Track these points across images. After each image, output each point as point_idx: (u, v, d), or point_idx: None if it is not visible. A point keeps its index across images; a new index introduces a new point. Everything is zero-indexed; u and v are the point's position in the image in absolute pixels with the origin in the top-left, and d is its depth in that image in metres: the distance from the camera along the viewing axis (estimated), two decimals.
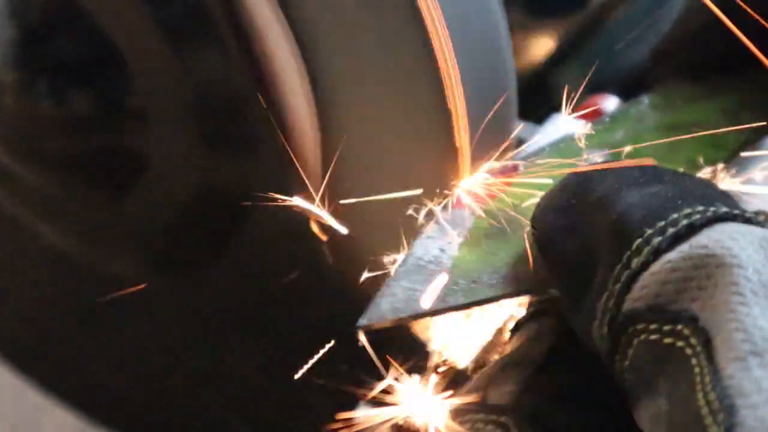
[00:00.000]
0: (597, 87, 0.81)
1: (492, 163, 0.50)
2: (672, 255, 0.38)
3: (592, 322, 0.40)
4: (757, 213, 0.40)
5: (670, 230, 0.39)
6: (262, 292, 0.64)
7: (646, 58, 0.86)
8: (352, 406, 0.62)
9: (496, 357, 0.46)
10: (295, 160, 0.56)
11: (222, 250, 0.63)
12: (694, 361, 0.36)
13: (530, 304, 0.46)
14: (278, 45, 0.54)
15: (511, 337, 0.46)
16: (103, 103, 0.60)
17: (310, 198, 0.57)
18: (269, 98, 0.55)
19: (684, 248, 0.38)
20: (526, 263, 0.45)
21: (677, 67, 0.53)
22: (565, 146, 0.50)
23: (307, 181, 0.56)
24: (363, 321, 0.45)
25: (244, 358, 0.69)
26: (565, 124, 0.55)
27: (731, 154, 0.49)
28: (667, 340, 0.37)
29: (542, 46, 0.80)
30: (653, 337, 0.38)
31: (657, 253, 0.39)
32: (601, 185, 0.42)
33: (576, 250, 0.41)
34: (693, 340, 0.36)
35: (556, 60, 0.82)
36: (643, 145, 0.49)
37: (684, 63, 0.53)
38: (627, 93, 0.67)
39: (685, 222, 0.39)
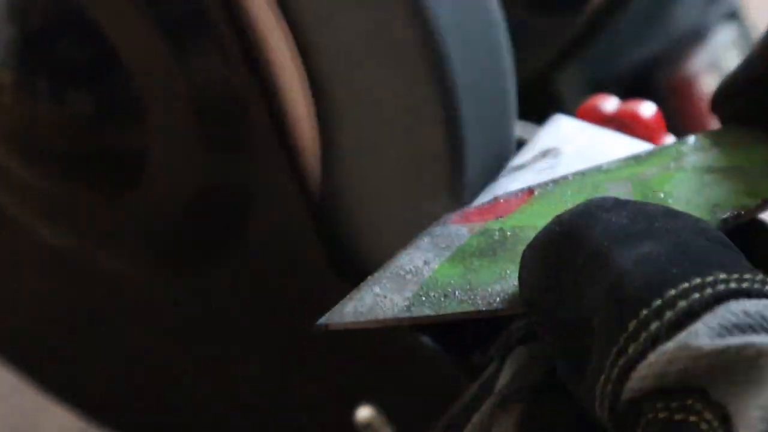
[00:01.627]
0: (597, 87, 0.81)
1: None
2: (670, 346, 0.36)
3: (592, 402, 0.38)
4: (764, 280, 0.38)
5: (668, 315, 0.36)
6: (263, 292, 0.64)
7: (650, 59, 0.86)
8: (352, 406, 0.62)
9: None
10: (294, 160, 0.56)
11: (222, 250, 0.63)
12: None
13: (518, 329, 0.45)
14: (278, 45, 0.54)
15: (500, 365, 0.45)
16: (103, 103, 0.60)
17: (309, 197, 0.57)
18: (269, 98, 0.55)
19: (681, 338, 0.36)
20: (504, 284, 0.45)
21: (736, 111, 0.51)
22: (588, 178, 0.49)
23: (306, 182, 0.56)
24: (322, 320, 0.45)
25: (244, 359, 0.69)
26: (566, 124, 0.55)
27: (762, 204, 0.47)
28: (678, 416, 0.35)
29: (542, 46, 0.80)
30: (662, 415, 0.36)
31: (655, 341, 0.36)
32: (588, 241, 0.40)
33: (569, 316, 0.39)
34: (707, 415, 0.35)
35: (556, 60, 0.82)
36: (669, 181, 0.48)
37: (744, 108, 0.50)
38: (627, 93, 0.67)
39: (683, 305, 0.36)
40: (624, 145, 0.53)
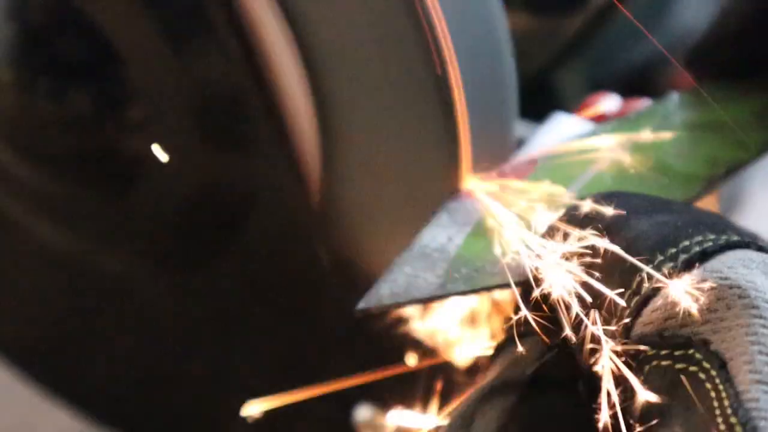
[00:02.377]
0: (597, 86, 0.81)
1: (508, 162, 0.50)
2: (682, 281, 0.38)
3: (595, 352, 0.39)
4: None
5: (682, 256, 0.39)
6: (263, 291, 0.64)
7: (655, 57, 0.86)
8: (352, 407, 0.62)
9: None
10: (294, 159, 0.56)
11: (222, 250, 0.62)
12: (708, 385, 0.36)
13: (509, 327, 0.45)
14: (277, 45, 0.54)
15: (492, 361, 0.45)
16: (103, 103, 0.60)
17: (309, 197, 0.57)
18: (268, 98, 0.55)
19: (696, 273, 0.38)
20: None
21: (712, 67, 0.53)
22: (583, 144, 0.50)
23: (306, 181, 0.56)
24: (362, 305, 0.45)
25: (244, 358, 0.69)
26: (566, 123, 0.55)
27: (754, 156, 0.48)
28: (679, 365, 0.37)
29: (542, 45, 0.80)
30: (664, 363, 0.37)
31: (668, 278, 0.38)
32: (609, 213, 0.42)
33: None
34: (706, 364, 0.36)
35: (556, 59, 0.82)
36: (665, 137, 0.49)
37: (719, 63, 0.53)
38: (627, 92, 0.67)
39: (697, 249, 0.39)
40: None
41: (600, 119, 0.58)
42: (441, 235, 0.47)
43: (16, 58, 0.60)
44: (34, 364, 0.82)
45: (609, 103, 0.59)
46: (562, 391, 0.42)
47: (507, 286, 0.45)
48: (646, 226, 0.40)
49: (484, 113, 0.53)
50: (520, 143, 0.56)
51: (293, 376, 0.68)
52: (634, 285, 0.39)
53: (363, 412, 0.63)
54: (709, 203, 0.51)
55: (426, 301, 0.45)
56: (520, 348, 0.44)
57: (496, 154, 0.54)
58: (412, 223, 0.49)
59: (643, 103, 0.59)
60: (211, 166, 0.59)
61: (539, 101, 0.79)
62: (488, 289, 0.45)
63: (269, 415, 0.71)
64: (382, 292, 0.45)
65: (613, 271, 0.40)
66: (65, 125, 0.61)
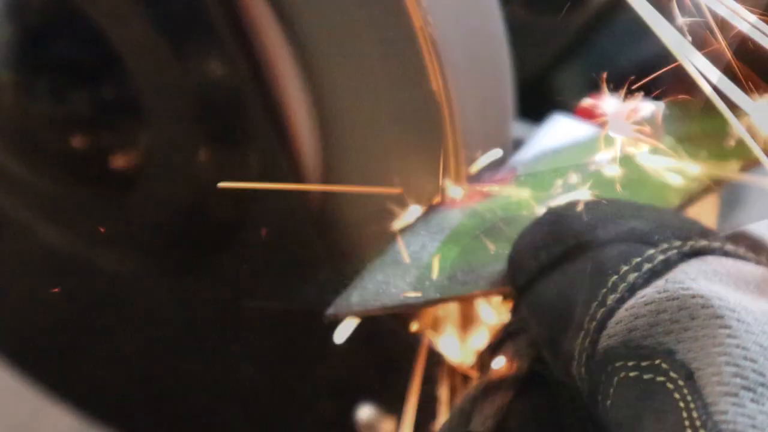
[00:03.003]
0: (596, 87, 0.81)
1: (489, 167, 0.50)
2: (647, 290, 0.38)
3: (571, 362, 0.39)
4: (735, 241, 0.40)
5: (646, 266, 0.38)
6: (262, 291, 0.64)
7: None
8: (352, 407, 0.62)
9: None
10: (293, 159, 0.56)
11: (222, 249, 0.63)
12: (677, 395, 0.35)
13: (507, 323, 0.46)
14: (277, 44, 0.54)
15: (491, 357, 0.45)
16: (103, 103, 0.60)
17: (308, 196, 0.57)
18: (268, 98, 0.55)
19: (659, 283, 0.38)
20: (502, 264, 0.45)
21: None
22: (567, 153, 0.50)
23: (305, 180, 0.56)
24: (330, 311, 0.46)
25: (244, 358, 0.69)
26: (565, 124, 0.55)
27: (743, 165, 0.48)
28: (647, 376, 0.37)
29: (542, 45, 0.80)
30: (632, 374, 0.37)
31: (632, 289, 0.38)
32: (576, 223, 0.42)
33: (554, 293, 0.41)
34: (673, 374, 0.36)
35: (555, 60, 0.82)
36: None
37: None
38: (627, 93, 0.67)
39: (660, 258, 0.38)
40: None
41: (598, 120, 0.58)
42: (415, 242, 0.47)
43: (16, 59, 0.60)
44: (34, 364, 0.82)
45: (608, 103, 0.59)
46: (558, 387, 0.42)
47: (478, 295, 0.45)
48: (613, 235, 0.40)
49: (481, 114, 0.53)
50: (518, 144, 0.56)
51: (293, 375, 0.68)
52: (600, 296, 0.38)
53: (364, 412, 0.63)
54: (710, 203, 0.50)
55: (395, 308, 0.45)
56: (515, 345, 0.44)
57: (494, 154, 0.54)
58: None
59: (642, 105, 0.59)
60: (210, 166, 0.59)
61: (537, 102, 0.79)
62: (459, 297, 0.45)
63: (271, 414, 0.71)
64: (351, 299, 0.46)
65: (581, 285, 0.39)
66: (65, 126, 0.61)
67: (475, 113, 0.52)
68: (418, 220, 0.48)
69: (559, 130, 0.55)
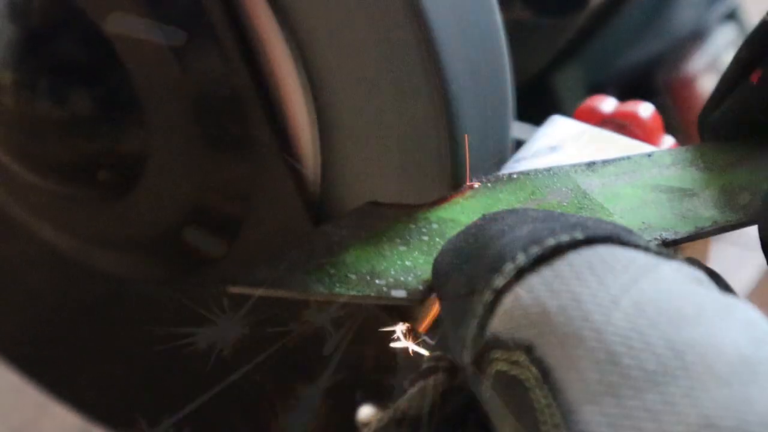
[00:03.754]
0: (596, 88, 0.81)
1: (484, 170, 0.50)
2: (533, 278, 0.37)
3: (462, 350, 0.39)
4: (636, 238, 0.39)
5: (534, 250, 0.38)
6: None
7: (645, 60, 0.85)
8: (352, 406, 0.62)
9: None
10: (293, 160, 0.56)
11: (222, 249, 0.63)
12: (536, 393, 0.35)
13: (425, 360, 0.46)
14: (277, 45, 0.54)
15: (406, 390, 0.45)
16: (103, 103, 0.60)
17: (307, 197, 0.57)
18: (268, 98, 0.55)
19: (546, 272, 0.37)
20: (404, 275, 0.46)
21: (714, 126, 0.51)
22: (531, 181, 0.50)
23: (305, 182, 0.56)
24: (235, 287, 0.47)
25: (244, 358, 0.69)
26: (564, 125, 0.55)
27: (689, 233, 0.47)
28: (513, 372, 0.36)
29: (542, 46, 0.80)
30: (502, 367, 0.37)
31: (520, 273, 0.38)
32: (498, 224, 0.42)
33: (461, 284, 0.40)
34: (530, 371, 0.35)
35: (555, 61, 0.82)
36: (612, 194, 0.48)
37: (722, 123, 0.50)
38: (626, 94, 0.67)
39: (551, 243, 0.38)
40: (621, 146, 0.53)
41: (598, 121, 0.58)
42: (337, 234, 0.47)
43: (17, 59, 0.60)
44: (35, 364, 0.82)
45: (606, 105, 0.59)
46: (462, 424, 0.42)
47: (360, 299, 0.45)
48: (525, 232, 0.39)
49: (481, 114, 0.53)
50: (517, 145, 0.56)
51: (293, 376, 0.68)
52: (491, 280, 0.38)
53: (364, 412, 0.63)
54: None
55: (282, 294, 0.46)
56: (427, 382, 0.44)
57: (492, 155, 0.54)
58: None
59: (604, 103, 0.59)
60: (210, 167, 0.59)
61: (537, 103, 0.79)
62: (345, 298, 0.45)
63: (271, 414, 0.71)
64: (250, 278, 0.46)
65: (483, 270, 0.39)
66: (65, 125, 0.61)
67: (475, 114, 0.52)
68: (354, 212, 0.48)
69: (559, 131, 0.55)
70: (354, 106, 0.53)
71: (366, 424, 0.63)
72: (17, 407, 0.91)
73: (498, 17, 0.52)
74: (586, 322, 0.35)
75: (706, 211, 0.47)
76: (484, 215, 0.44)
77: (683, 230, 0.47)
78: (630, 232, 0.39)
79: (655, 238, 0.46)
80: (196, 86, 0.57)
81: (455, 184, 0.51)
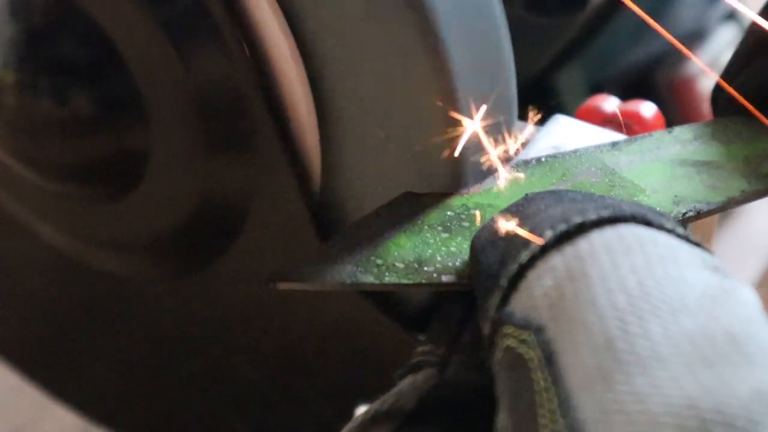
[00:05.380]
0: (597, 88, 0.81)
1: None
2: (555, 257, 0.38)
3: (484, 322, 0.40)
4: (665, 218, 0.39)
5: (560, 227, 0.38)
6: (262, 292, 0.64)
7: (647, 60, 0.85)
8: (352, 406, 0.62)
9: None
10: (295, 159, 0.56)
11: (222, 249, 0.63)
12: (537, 374, 0.35)
13: (414, 354, 0.46)
14: (279, 44, 0.54)
15: (393, 386, 0.46)
16: (103, 103, 0.60)
17: (309, 197, 0.57)
18: (270, 97, 0.55)
19: (567, 250, 0.38)
20: (451, 260, 0.46)
21: (726, 102, 0.51)
22: (560, 162, 0.50)
23: (306, 181, 0.56)
24: (275, 279, 0.47)
25: (244, 358, 0.70)
26: (566, 125, 0.55)
27: (722, 203, 0.48)
28: (520, 350, 0.36)
29: (543, 46, 0.80)
30: (512, 343, 0.37)
31: (544, 249, 0.38)
32: (537, 203, 0.42)
33: (494, 257, 0.41)
34: (538, 351, 0.36)
35: (556, 60, 0.82)
36: (641, 171, 0.49)
37: (732, 99, 0.50)
38: (627, 93, 0.67)
39: (577, 220, 0.38)
40: None
41: (599, 121, 0.58)
42: (378, 226, 0.48)
43: (18, 58, 0.60)
44: (34, 365, 0.82)
45: (608, 104, 0.59)
46: (444, 420, 0.42)
47: (413, 287, 0.46)
48: (558, 211, 0.40)
49: (485, 114, 0.53)
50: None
51: (293, 376, 0.68)
52: (518, 254, 0.39)
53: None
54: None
55: (334, 287, 0.46)
56: (413, 378, 0.44)
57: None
58: None
59: (606, 103, 0.59)
60: (210, 166, 0.59)
61: (540, 102, 0.79)
62: (395, 286, 0.46)
63: (270, 415, 0.71)
64: (299, 272, 0.46)
65: (514, 247, 0.40)
66: (65, 125, 0.61)
67: (478, 114, 0.52)
68: (390, 203, 0.48)
69: (561, 131, 0.55)
70: (357, 106, 0.53)
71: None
72: (17, 407, 0.91)
73: (502, 17, 0.52)
74: (592, 307, 0.35)
75: (734, 181, 0.48)
76: (526, 195, 0.44)
77: (715, 201, 0.48)
78: (661, 214, 0.40)
79: (690, 210, 0.47)
80: (198, 86, 0.57)
81: (459, 182, 0.51)
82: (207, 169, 0.59)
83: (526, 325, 0.36)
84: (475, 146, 0.48)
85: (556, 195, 0.43)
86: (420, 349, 0.45)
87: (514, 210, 0.43)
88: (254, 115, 0.55)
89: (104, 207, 0.65)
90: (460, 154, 0.49)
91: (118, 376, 0.77)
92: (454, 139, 0.48)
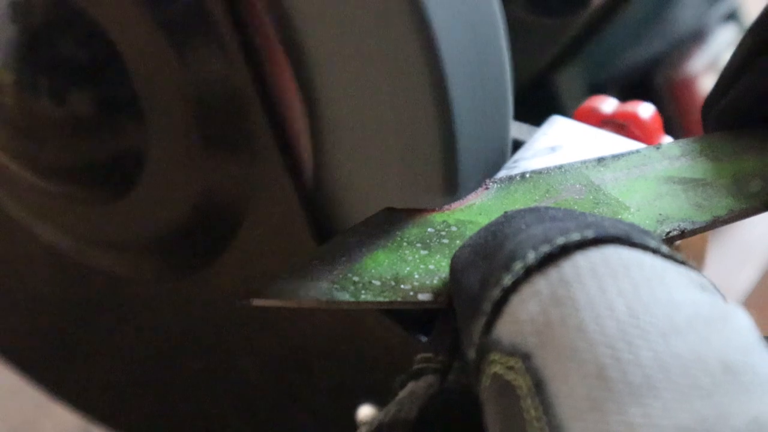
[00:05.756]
0: (596, 88, 0.81)
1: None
2: (540, 281, 0.37)
3: (469, 348, 0.39)
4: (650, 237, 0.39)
5: (544, 248, 0.37)
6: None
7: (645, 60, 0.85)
8: (352, 406, 0.62)
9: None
10: (292, 160, 0.56)
11: (221, 249, 0.63)
12: (526, 403, 0.34)
13: (415, 361, 0.46)
14: (278, 46, 0.54)
15: (394, 395, 0.45)
16: (103, 103, 0.60)
17: (305, 197, 0.57)
18: (268, 99, 0.55)
19: (552, 273, 0.37)
20: (428, 279, 0.46)
21: (717, 119, 0.50)
22: (545, 178, 0.50)
23: (303, 182, 0.56)
24: (248, 297, 0.46)
25: (244, 358, 0.70)
26: (564, 126, 0.55)
27: (707, 222, 0.47)
28: (508, 377, 0.36)
29: (542, 46, 0.80)
30: (499, 370, 0.36)
31: (528, 272, 0.37)
32: (517, 222, 0.41)
33: (475, 280, 0.40)
34: (527, 378, 0.35)
35: (555, 61, 0.82)
36: (625, 188, 0.48)
37: (727, 113, 0.50)
38: (626, 94, 0.67)
39: (560, 241, 0.37)
40: (621, 147, 0.53)
41: (597, 122, 0.58)
42: (356, 242, 0.47)
43: (17, 58, 0.60)
44: (34, 365, 0.82)
45: (607, 105, 0.59)
46: (448, 428, 0.42)
47: (387, 305, 0.45)
48: (539, 231, 0.39)
49: (480, 114, 0.53)
50: (517, 145, 0.56)
51: (292, 376, 0.68)
52: (500, 278, 0.38)
53: (364, 412, 0.63)
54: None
55: (308, 304, 0.46)
56: (415, 385, 0.44)
57: (491, 156, 0.54)
58: None
59: (605, 104, 0.59)
60: (210, 167, 0.59)
61: (537, 103, 0.79)
62: (371, 304, 0.45)
63: (270, 415, 0.71)
64: (271, 288, 0.46)
65: (496, 268, 0.39)
66: (65, 125, 0.61)
67: (474, 114, 0.52)
68: (369, 219, 0.48)
69: (559, 132, 0.55)
70: (351, 108, 0.53)
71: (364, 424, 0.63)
72: (17, 407, 0.91)
73: (499, 17, 0.52)
74: (581, 333, 0.34)
75: (720, 199, 0.48)
76: (505, 213, 0.44)
77: (701, 220, 0.47)
78: (645, 232, 0.39)
79: (674, 229, 0.47)
80: (197, 87, 0.57)
81: (453, 189, 0.51)
82: (205, 169, 0.59)
83: (513, 352, 0.36)
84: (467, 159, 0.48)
85: (536, 213, 0.42)
86: (421, 355, 0.45)
87: (493, 228, 0.42)
88: (252, 116, 0.55)
89: (103, 207, 0.65)
90: (452, 167, 0.48)
91: (118, 376, 0.77)
92: (446, 148, 0.48)
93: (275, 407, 0.71)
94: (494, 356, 0.37)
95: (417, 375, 0.44)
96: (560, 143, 0.53)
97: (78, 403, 0.82)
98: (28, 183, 0.65)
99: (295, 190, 0.56)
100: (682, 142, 0.50)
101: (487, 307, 0.38)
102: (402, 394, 0.44)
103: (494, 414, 0.36)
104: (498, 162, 0.54)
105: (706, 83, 0.87)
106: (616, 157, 0.50)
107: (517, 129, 0.57)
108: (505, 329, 0.37)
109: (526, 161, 0.52)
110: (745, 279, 0.81)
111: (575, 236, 0.37)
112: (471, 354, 0.39)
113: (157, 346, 0.73)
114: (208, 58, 0.56)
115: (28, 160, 0.64)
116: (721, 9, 0.89)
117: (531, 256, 0.37)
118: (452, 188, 0.52)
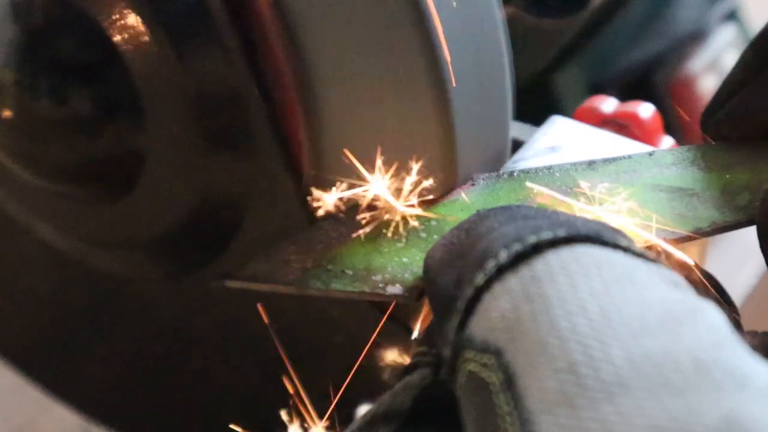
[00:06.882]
0: (596, 88, 0.81)
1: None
2: (511, 279, 0.37)
3: (443, 347, 0.39)
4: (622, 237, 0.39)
5: (516, 247, 0.38)
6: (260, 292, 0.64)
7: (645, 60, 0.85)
8: (351, 406, 0.62)
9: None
10: (292, 160, 0.56)
11: (221, 249, 0.63)
12: (499, 398, 0.35)
13: (410, 355, 0.46)
14: (279, 45, 0.54)
15: (393, 385, 0.45)
16: (103, 103, 0.60)
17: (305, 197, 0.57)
18: (269, 98, 0.55)
19: (524, 271, 0.37)
20: (400, 272, 0.46)
21: (716, 127, 0.50)
22: (529, 179, 0.50)
23: (305, 181, 0.57)
24: (221, 279, 0.48)
25: (244, 358, 0.70)
26: (564, 125, 0.55)
27: (691, 234, 0.47)
28: (482, 374, 0.36)
29: (542, 46, 0.80)
30: (473, 368, 0.37)
31: (500, 271, 0.37)
32: (490, 221, 0.42)
33: (449, 280, 0.40)
34: (499, 374, 0.35)
35: (555, 61, 0.82)
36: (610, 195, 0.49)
37: (724, 125, 0.50)
38: (626, 94, 0.67)
39: (532, 240, 0.38)
40: (621, 147, 0.53)
41: (598, 122, 0.58)
42: (334, 230, 0.47)
43: (17, 58, 0.60)
44: (34, 365, 0.82)
45: (607, 105, 0.59)
46: (442, 421, 0.42)
47: (358, 295, 0.45)
48: (511, 229, 0.39)
49: (480, 113, 0.53)
50: (517, 145, 0.56)
51: (293, 375, 0.68)
52: (472, 276, 0.38)
53: (364, 411, 0.63)
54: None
55: (279, 290, 0.46)
56: (410, 378, 0.44)
57: (491, 155, 0.54)
58: None
59: (605, 103, 0.59)
60: (210, 166, 0.59)
61: (537, 103, 0.79)
62: (341, 293, 0.45)
63: (270, 415, 0.71)
64: (246, 272, 0.46)
65: (470, 268, 0.39)
66: (65, 126, 0.61)
67: (474, 114, 0.52)
68: (353, 208, 0.48)
69: (559, 132, 0.55)
70: (351, 108, 0.53)
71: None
72: (17, 407, 0.90)
73: (499, 17, 0.52)
74: (552, 329, 0.34)
75: (705, 211, 0.47)
76: (478, 212, 0.44)
77: (681, 230, 0.47)
78: (615, 231, 0.39)
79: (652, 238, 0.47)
80: (197, 86, 0.57)
81: (452, 188, 0.51)
82: (205, 169, 0.59)
83: (485, 349, 0.36)
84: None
85: (508, 211, 0.42)
86: (416, 350, 0.45)
87: (465, 227, 0.42)
88: (252, 116, 0.55)
89: (103, 207, 0.65)
90: (452, 166, 0.48)
91: (118, 376, 0.78)
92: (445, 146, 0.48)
93: (275, 407, 0.71)
94: (468, 354, 0.37)
95: (411, 368, 0.44)
96: (560, 143, 0.53)
97: (78, 403, 0.82)
98: (29, 183, 0.65)
99: (295, 190, 0.56)
100: (675, 150, 0.50)
101: (460, 305, 0.38)
102: (396, 387, 0.44)
103: (470, 411, 0.37)
104: (498, 162, 0.54)
105: (706, 83, 0.87)
106: (607, 161, 0.50)
107: (517, 129, 0.57)
108: (478, 327, 0.37)
109: (526, 161, 0.52)
110: (745, 279, 0.81)
111: (547, 235, 0.38)
112: (446, 353, 0.39)
113: (157, 346, 0.73)
114: (208, 58, 0.56)
115: (29, 160, 0.64)
116: (721, 9, 0.89)
117: (503, 255, 0.38)
118: (452, 188, 0.52)
